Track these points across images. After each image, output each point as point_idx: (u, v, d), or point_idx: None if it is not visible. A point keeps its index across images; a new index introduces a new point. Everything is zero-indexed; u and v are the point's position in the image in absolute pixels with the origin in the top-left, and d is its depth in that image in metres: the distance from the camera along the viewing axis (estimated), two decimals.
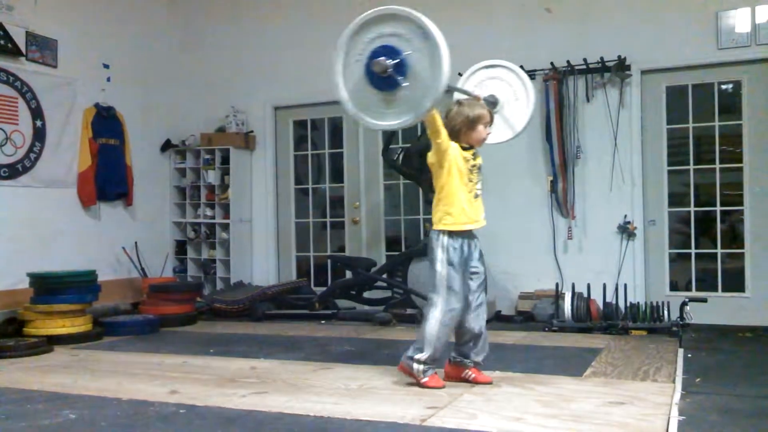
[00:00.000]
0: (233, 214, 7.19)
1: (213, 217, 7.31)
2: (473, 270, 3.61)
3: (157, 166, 7.39)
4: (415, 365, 3.51)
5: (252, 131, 7.38)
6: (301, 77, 7.14)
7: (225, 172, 7.26)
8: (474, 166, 3.61)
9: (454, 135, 3.54)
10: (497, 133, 4.00)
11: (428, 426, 2.86)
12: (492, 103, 4.04)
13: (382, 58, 3.08)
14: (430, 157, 3.57)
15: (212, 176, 7.29)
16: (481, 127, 3.58)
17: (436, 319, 3.47)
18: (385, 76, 3.12)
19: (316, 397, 3.41)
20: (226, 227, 7.23)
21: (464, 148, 3.58)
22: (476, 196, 3.61)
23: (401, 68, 3.11)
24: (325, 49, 6.95)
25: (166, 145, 7.43)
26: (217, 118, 7.42)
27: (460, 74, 6.45)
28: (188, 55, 7.62)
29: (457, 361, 3.65)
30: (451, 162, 3.51)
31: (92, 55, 6.64)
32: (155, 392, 3.58)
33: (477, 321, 3.62)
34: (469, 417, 2.98)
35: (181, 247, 7.51)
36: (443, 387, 3.50)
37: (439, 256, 3.52)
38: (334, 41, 7.15)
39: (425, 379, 3.50)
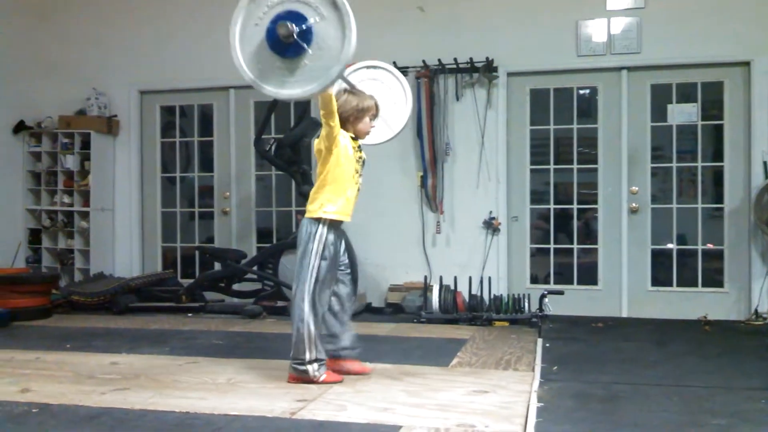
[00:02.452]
0: (93, 201, 6.83)
1: (71, 205, 6.91)
2: (341, 262, 3.63)
3: (9, 148, 6.88)
4: (309, 368, 3.40)
5: (116, 115, 7.03)
6: (169, 61, 6.89)
7: (85, 158, 6.88)
8: (360, 158, 3.59)
9: (341, 123, 3.48)
10: (376, 133, 3.97)
11: (298, 419, 2.85)
12: None
13: (288, 22, 2.91)
14: (318, 143, 3.46)
15: (71, 161, 6.88)
16: (367, 119, 3.58)
17: (308, 315, 3.41)
18: (289, 41, 2.94)
19: (181, 392, 3.31)
20: (85, 215, 6.85)
21: (352, 139, 3.56)
22: (358, 190, 3.61)
23: (307, 34, 2.95)
24: (196, 31, 6.81)
25: (20, 127, 6.93)
26: (78, 100, 7.00)
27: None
28: (46, 31, 7.13)
29: (336, 355, 3.62)
30: (341, 149, 3.44)
31: None
32: (4, 391, 3.34)
33: (347, 313, 3.64)
34: (338, 409, 3.00)
35: (35, 236, 7.04)
36: (342, 380, 3.46)
37: (314, 247, 3.43)
38: (205, 23, 7.00)
39: (323, 377, 3.43)
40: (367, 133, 3.63)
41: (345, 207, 3.53)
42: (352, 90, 3.63)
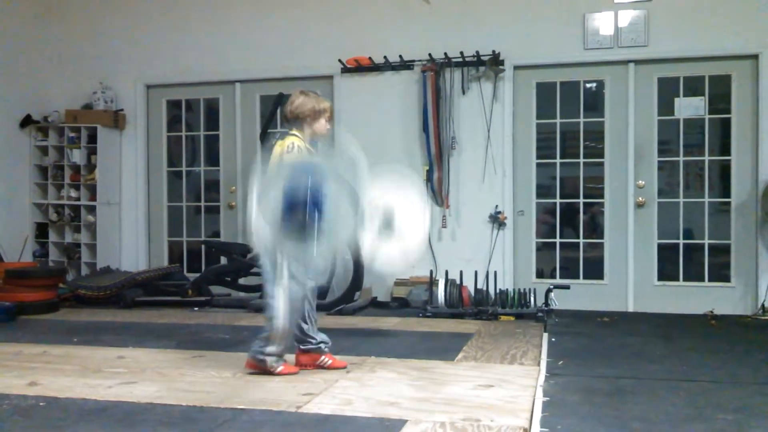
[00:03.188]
0: (100, 196, 6.85)
1: (78, 199, 6.93)
2: None
3: (16, 142, 6.89)
4: (268, 359, 3.47)
5: (122, 109, 7.04)
6: (175, 55, 6.90)
7: (92, 152, 6.90)
8: None
9: (298, 123, 3.60)
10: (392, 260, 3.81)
11: (304, 412, 2.86)
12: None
13: None
14: (279, 152, 3.51)
15: (77, 156, 6.90)
16: (323, 120, 3.65)
17: (283, 309, 3.42)
18: None
19: (187, 386, 3.32)
20: (92, 210, 6.87)
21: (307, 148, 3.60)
22: None
23: None
24: (203, 26, 6.81)
25: (26, 121, 6.95)
26: (84, 94, 7.03)
27: (340, 60, 6.50)
28: (54, 25, 7.15)
29: (311, 349, 3.65)
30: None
31: None
32: (12, 384, 3.36)
33: (314, 309, 3.69)
34: (344, 402, 3.00)
35: (42, 230, 7.06)
36: (298, 372, 3.53)
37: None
38: (211, 18, 7.01)
39: (280, 368, 3.49)
40: (323, 134, 3.68)
41: None
42: (306, 92, 3.70)
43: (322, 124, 3.65)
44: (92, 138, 6.87)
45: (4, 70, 6.71)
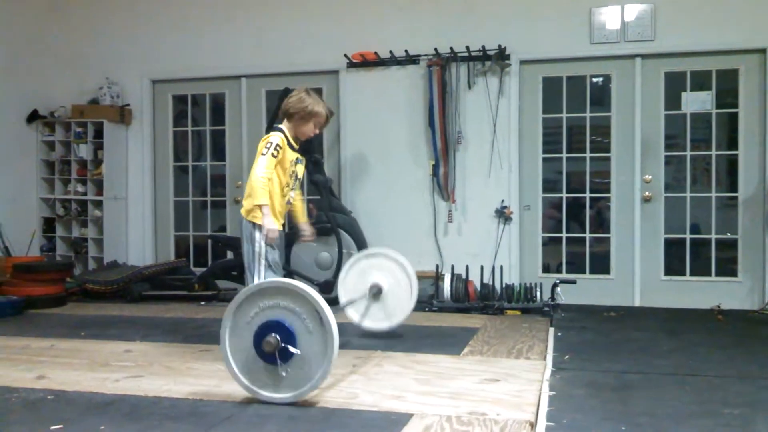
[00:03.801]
0: (107, 190, 6.87)
1: (85, 194, 6.95)
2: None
3: (23, 138, 6.91)
4: None
5: (128, 105, 7.05)
6: (181, 50, 6.90)
7: (98, 147, 6.91)
8: (293, 173, 3.76)
9: (288, 116, 3.67)
10: (373, 320, 4.28)
11: (310, 406, 2.87)
12: (375, 293, 4.28)
13: (273, 335, 2.84)
14: (260, 146, 3.65)
15: (84, 151, 6.91)
16: (312, 124, 3.69)
17: None
18: (272, 353, 2.88)
19: (194, 379, 3.34)
20: (98, 204, 6.89)
21: (292, 148, 3.69)
22: (288, 202, 3.79)
23: (289, 351, 2.87)
24: (208, 21, 6.82)
25: (33, 116, 6.96)
26: (90, 90, 7.04)
27: (346, 55, 6.49)
28: (60, 20, 7.16)
29: None
30: (279, 158, 3.62)
31: None
32: (20, 378, 3.39)
33: None
34: (350, 396, 3.01)
35: (49, 225, 7.09)
36: None
37: (253, 248, 3.61)
38: (216, 13, 7.01)
39: None
40: (309, 137, 3.73)
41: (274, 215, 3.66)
42: (310, 92, 3.73)
43: (309, 128, 3.71)
44: (99, 133, 6.88)
45: (11, 66, 6.73)
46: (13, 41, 6.76)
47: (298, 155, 3.79)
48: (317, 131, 3.77)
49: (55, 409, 2.87)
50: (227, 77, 6.86)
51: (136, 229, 7.09)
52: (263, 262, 3.61)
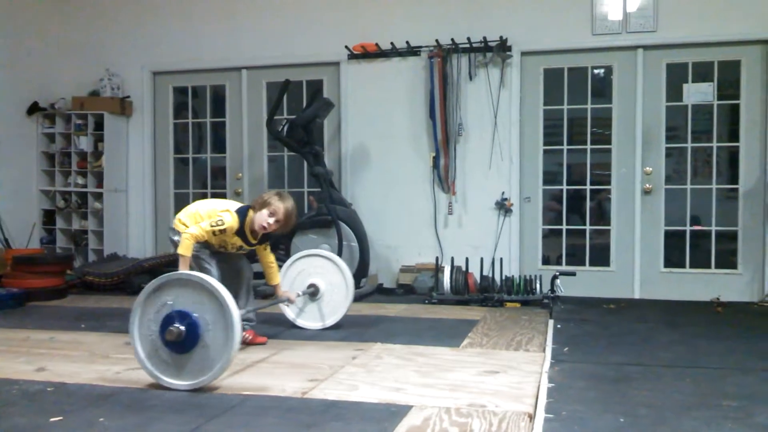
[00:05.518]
0: (107, 183, 6.87)
1: (85, 186, 6.95)
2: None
3: (23, 130, 6.91)
4: None
5: (128, 96, 7.04)
6: (181, 41, 6.89)
7: (98, 139, 6.91)
8: (241, 248, 3.89)
9: (253, 207, 3.78)
10: (307, 319, 4.44)
11: (309, 398, 2.87)
12: (312, 293, 4.40)
13: (176, 325, 2.96)
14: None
15: (84, 143, 6.91)
16: (265, 212, 3.73)
17: None
18: (177, 341, 2.99)
19: None
20: (99, 197, 6.90)
21: (243, 237, 3.80)
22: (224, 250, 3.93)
23: (193, 336, 2.98)
24: (208, 12, 6.80)
25: (33, 108, 6.96)
26: (91, 81, 7.03)
27: (346, 47, 6.45)
28: (59, 11, 7.15)
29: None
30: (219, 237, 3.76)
31: None
32: (20, 369, 3.39)
33: None
34: (350, 388, 3.01)
35: (49, 217, 7.09)
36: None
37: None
38: (217, 4, 6.99)
39: None
40: (262, 227, 3.77)
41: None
42: (279, 192, 3.84)
43: (262, 216, 3.74)
44: (99, 125, 6.88)
45: (11, 58, 6.71)
46: (12, 33, 6.74)
47: (245, 245, 3.87)
48: (272, 225, 3.76)
49: (55, 401, 2.88)
50: (228, 69, 6.85)
51: (136, 221, 7.09)
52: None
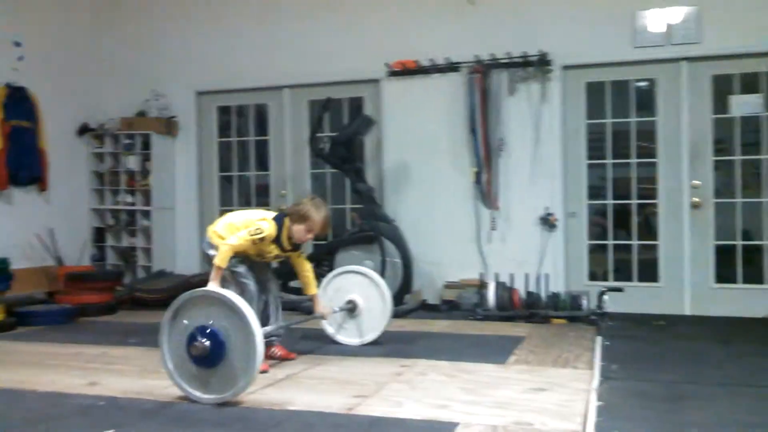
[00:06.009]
0: (155, 201, 7.01)
1: (133, 204, 7.11)
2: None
3: (74, 150, 7.11)
4: None
5: (174, 116, 7.20)
6: (225, 61, 7.02)
7: (146, 158, 7.06)
8: (278, 256, 3.93)
9: (290, 215, 3.83)
10: (346, 335, 4.44)
11: (355, 414, 2.88)
12: (350, 309, 4.40)
13: (201, 340, 3.03)
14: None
15: (132, 162, 7.07)
16: (303, 227, 3.79)
17: None
18: (202, 357, 3.06)
19: None
20: (147, 214, 7.04)
21: (279, 245, 3.84)
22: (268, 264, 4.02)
23: (219, 349, 3.04)
24: (251, 33, 6.92)
25: (84, 129, 7.16)
26: (138, 102, 7.21)
27: (386, 64, 6.50)
28: (107, 34, 7.36)
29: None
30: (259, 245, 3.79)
31: (2, 33, 6.30)
32: (73, 384, 3.47)
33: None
34: (395, 405, 3.01)
35: (99, 235, 7.26)
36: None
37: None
38: (259, 25, 7.10)
39: None
40: (300, 239, 3.85)
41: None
42: (314, 199, 3.90)
43: (300, 230, 3.81)
44: (146, 144, 7.04)
45: (62, 81, 6.92)
46: (63, 57, 6.95)
47: (281, 253, 3.91)
48: (309, 237, 3.85)
49: (107, 414, 2.93)
50: (270, 88, 6.96)
51: (183, 238, 7.21)
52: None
